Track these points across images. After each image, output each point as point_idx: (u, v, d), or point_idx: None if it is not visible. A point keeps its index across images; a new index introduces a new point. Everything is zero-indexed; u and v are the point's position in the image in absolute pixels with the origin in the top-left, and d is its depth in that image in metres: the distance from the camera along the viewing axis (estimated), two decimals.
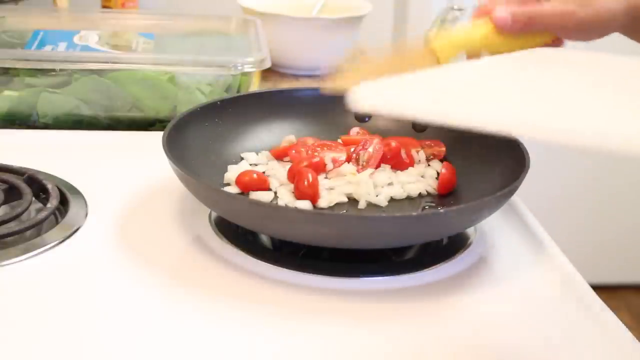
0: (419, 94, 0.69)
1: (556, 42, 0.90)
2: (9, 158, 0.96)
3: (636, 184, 2.51)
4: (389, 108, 0.67)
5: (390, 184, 0.92)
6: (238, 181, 0.90)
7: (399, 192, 0.91)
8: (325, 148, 0.94)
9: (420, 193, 0.92)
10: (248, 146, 0.98)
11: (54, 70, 1.11)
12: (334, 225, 0.78)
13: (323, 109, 1.01)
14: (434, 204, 0.91)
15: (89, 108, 1.12)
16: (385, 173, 0.93)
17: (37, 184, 0.90)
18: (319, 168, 0.91)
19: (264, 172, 0.93)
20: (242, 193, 0.89)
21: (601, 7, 0.85)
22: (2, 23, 1.26)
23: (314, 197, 0.87)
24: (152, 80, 1.12)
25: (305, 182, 0.88)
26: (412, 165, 0.95)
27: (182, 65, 1.13)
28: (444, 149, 0.97)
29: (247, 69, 1.13)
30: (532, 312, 0.78)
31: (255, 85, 1.18)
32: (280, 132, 1.00)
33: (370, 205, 0.89)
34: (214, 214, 0.88)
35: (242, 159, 0.96)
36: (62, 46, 1.17)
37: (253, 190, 0.89)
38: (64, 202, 0.89)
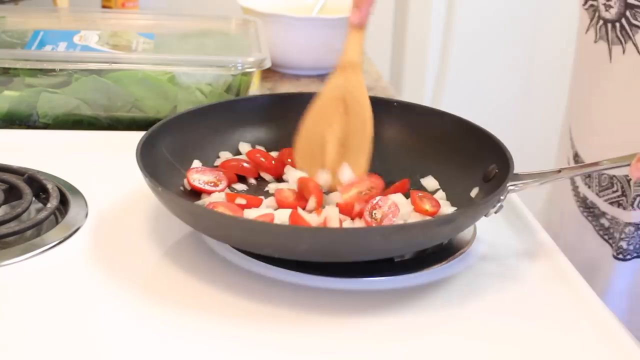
0: None
1: None
2: (9, 158, 0.96)
3: None
4: None
5: None
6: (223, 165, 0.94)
7: None
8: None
9: None
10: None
11: (54, 70, 1.11)
12: (293, 237, 0.77)
13: (283, 115, 1.00)
14: None
15: (89, 108, 1.12)
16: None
17: (37, 184, 0.90)
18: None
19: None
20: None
21: None
22: (2, 23, 1.26)
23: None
24: (152, 80, 1.12)
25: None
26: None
27: (182, 65, 1.13)
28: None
29: (247, 69, 1.13)
30: (533, 311, 0.78)
31: (255, 86, 1.18)
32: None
33: None
34: None
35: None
36: (62, 46, 1.17)
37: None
38: (64, 202, 0.89)
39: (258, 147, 0.99)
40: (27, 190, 0.88)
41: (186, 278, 0.80)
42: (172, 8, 1.83)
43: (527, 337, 0.75)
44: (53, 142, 1.07)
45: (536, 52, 2.28)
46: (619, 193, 1.08)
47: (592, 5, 1.08)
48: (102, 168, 0.99)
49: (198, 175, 0.92)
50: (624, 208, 1.08)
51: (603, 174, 1.10)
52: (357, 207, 0.86)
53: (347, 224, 0.86)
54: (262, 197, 0.91)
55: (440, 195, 0.93)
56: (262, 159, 0.96)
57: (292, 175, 0.94)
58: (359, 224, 0.85)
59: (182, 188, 0.91)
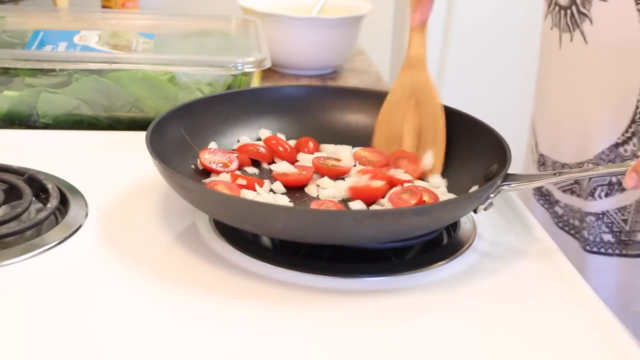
0: None
1: None
2: (9, 158, 0.96)
3: None
4: None
5: None
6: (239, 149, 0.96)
7: None
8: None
9: None
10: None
11: (54, 70, 1.11)
12: (302, 219, 0.80)
13: (306, 106, 1.03)
14: None
15: (89, 108, 1.12)
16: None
17: (37, 184, 0.90)
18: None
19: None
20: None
21: None
22: (2, 23, 1.26)
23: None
24: (152, 80, 1.12)
25: None
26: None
27: (182, 65, 1.13)
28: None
29: (247, 69, 1.13)
30: (533, 311, 0.79)
31: (255, 85, 1.18)
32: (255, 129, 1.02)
33: None
34: None
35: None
36: (62, 46, 1.17)
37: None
38: (64, 202, 0.89)
39: (279, 134, 1.00)
40: (27, 190, 0.88)
41: (186, 270, 0.80)
42: (172, 8, 1.84)
43: (528, 336, 0.75)
44: (53, 142, 1.07)
45: (535, 52, 2.28)
46: (572, 181, 1.10)
47: None
48: (102, 168, 0.99)
49: (210, 156, 0.94)
50: (579, 195, 1.08)
51: (556, 162, 1.11)
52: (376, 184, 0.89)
53: None
54: (268, 180, 0.92)
55: (442, 191, 0.93)
56: (279, 146, 0.98)
57: (305, 158, 0.97)
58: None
59: (193, 167, 0.94)
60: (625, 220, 1.04)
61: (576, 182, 1.08)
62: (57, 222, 0.86)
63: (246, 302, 0.77)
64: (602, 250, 1.06)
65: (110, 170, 0.98)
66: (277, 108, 1.02)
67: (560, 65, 1.08)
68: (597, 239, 1.06)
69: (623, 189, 1.03)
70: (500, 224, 0.92)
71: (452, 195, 0.92)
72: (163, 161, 0.83)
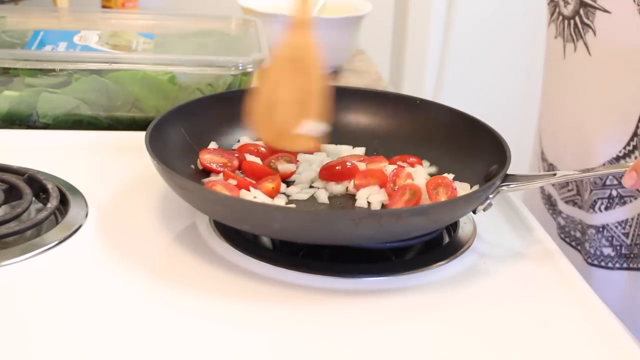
0: None
1: None
2: (9, 158, 0.96)
3: None
4: None
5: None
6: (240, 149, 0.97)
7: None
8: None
9: None
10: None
11: (54, 70, 1.11)
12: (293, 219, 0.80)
13: None
14: None
15: (89, 108, 1.12)
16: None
17: (37, 184, 0.90)
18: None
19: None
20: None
21: None
22: (2, 23, 1.26)
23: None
24: (153, 80, 1.12)
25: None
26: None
27: (182, 65, 1.13)
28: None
29: (247, 69, 1.13)
30: (532, 312, 0.78)
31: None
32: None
33: None
34: None
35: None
36: (62, 46, 1.17)
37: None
38: (64, 202, 0.89)
39: None
40: (27, 190, 0.88)
41: (186, 270, 0.80)
42: (172, 8, 1.83)
43: (526, 337, 0.75)
44: (53, 142, 1.07)
45: (536, 52, 2.28)
46: (574, 192, 1.08)
47: (552, 0, 1.08)
48: (102, 168, 0.99)
49: (210, 156, 0.94)
50: (580, 207, 1.07)
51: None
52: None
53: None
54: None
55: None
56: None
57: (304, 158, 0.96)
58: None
59: (193, 167, 0.94)
60: (626, 234, 1.02)
61: (578, 193, 1.07)
62: (57, 222, 0.86)
63: (246, 302, 0.77)
64: (603, 263, 1.04)
65: (110, 170, 0.98)
66: None
67: (564, 75, 1.08)
68: (598, 252, 1.05)
69: (624, 203, 1.02)
70: (501, 225, 0.92)
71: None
72: (162, 161, 0.83)
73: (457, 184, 0.91)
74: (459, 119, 0.97)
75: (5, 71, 1.10)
